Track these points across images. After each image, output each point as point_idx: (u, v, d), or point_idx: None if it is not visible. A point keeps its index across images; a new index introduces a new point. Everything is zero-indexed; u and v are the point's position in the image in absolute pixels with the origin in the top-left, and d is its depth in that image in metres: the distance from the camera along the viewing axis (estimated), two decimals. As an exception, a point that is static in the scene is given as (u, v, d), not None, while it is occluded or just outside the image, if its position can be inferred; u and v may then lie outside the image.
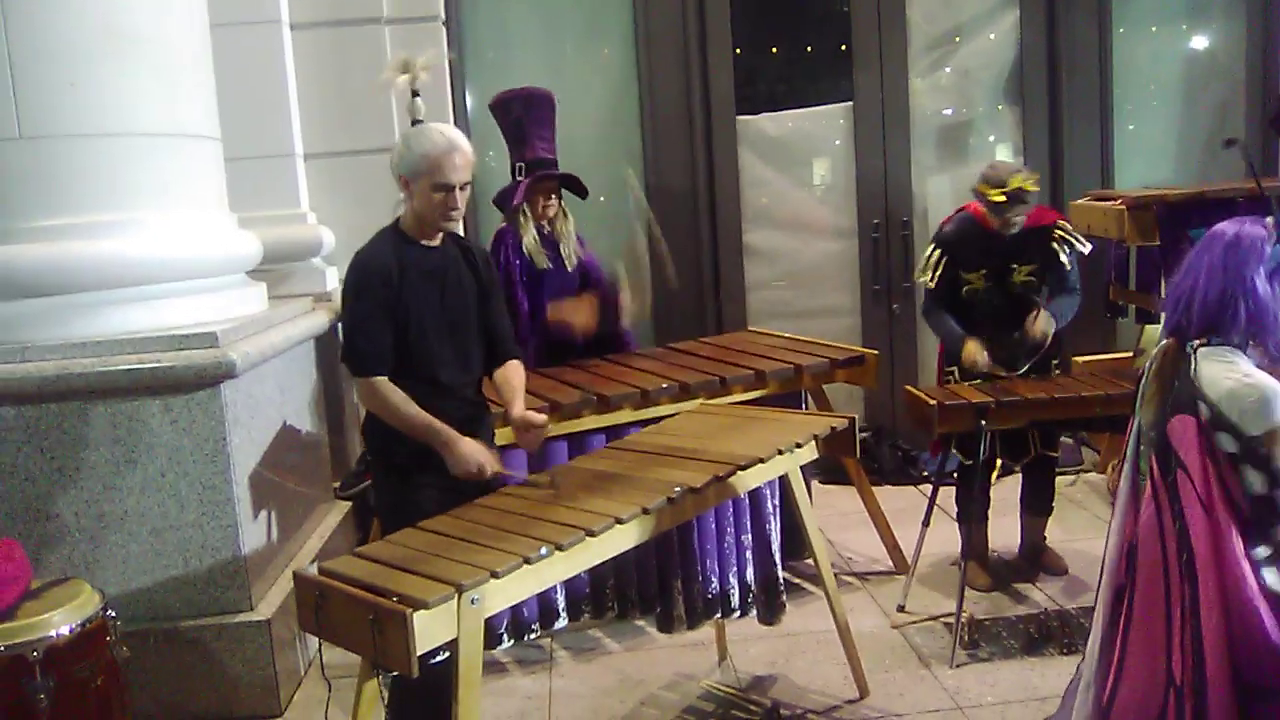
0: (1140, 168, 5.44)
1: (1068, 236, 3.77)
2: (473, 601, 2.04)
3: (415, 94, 2.84)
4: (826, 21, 5.53)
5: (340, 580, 2.12)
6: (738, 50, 5.31)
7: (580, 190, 4.09)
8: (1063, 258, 3.75)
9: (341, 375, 4.34)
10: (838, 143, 5.44)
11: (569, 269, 4.03)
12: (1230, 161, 5.31)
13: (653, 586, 3.18)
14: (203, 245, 3.51)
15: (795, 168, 5.49)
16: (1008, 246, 3.75)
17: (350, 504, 4.34)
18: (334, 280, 4.73)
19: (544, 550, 2.19)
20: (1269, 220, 2.19)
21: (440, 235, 2.72)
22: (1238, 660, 2.08)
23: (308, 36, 4.77)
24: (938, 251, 3.85)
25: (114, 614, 2.72)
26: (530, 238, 3.94)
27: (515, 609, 3.15)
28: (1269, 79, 5.31)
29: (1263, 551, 2.11)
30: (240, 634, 3.19)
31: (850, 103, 5.36)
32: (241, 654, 3.19)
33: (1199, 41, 5.58)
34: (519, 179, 3.93)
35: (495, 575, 2.09)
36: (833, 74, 5.45)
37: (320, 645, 3.13)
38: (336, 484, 4.41)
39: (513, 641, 3.29)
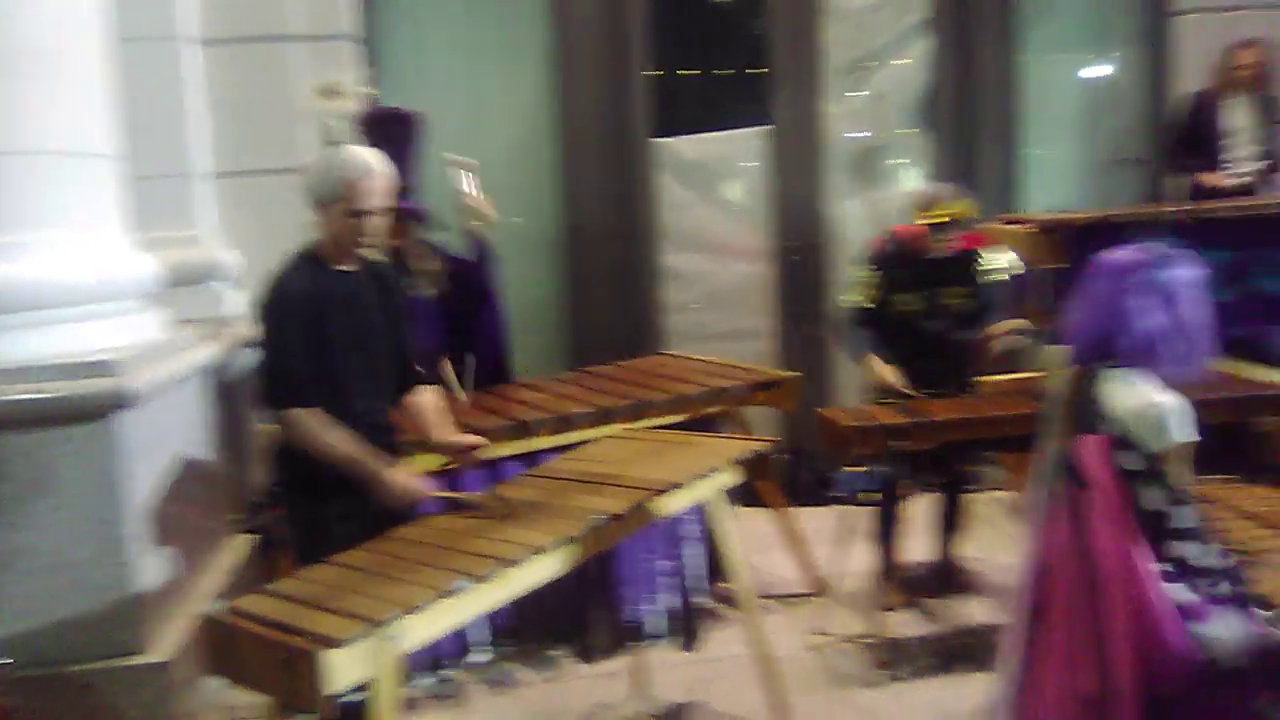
0: (1044, 191, 5.60)
1: (996, 259, 3.88)
2: (390, 638, 1.98)
3: (340, 118, 2.78)
4: (743, 45, 5.59)
5: (250, 619, 2.04)
6: (656, 72, 5.33)
7: (420, 219, 3.86)
8: (990, 278, 3.85)
9: (243, 403, 4.20)
10: (754, 165, 5.49)
11: (426, 298, 3.83)
12: (1129, 186, 5.52)
13: (572, 616, 3.14)
14: (101, 268, 3.35)
15: (712, 190, 5.53)
16: (939, 270, 3.83)
17: (253, 537, 4.19)
18: (238, 304, 4.59)
19: (463, 582, 2.14)
20: (1158, 247, 2.28)
21: (356, 260, 2.66)
22: (1145, 671, 2.14)
23: (218, 53, 4.63)
24: (875, 272, 3.90)
25: (7, 659, 2.57)
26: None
27: (431, 643, 3.07)
28: (1165, 106, 5.52)
29: (1163, 565, 2.18)
30: (137, 677, 3.03)
31: (766, 126, 5.42)
32: (138, 698, 3.03)
33: (1100, 69, 5.78)
34: None
35: (413, 610, 2.03)
36: (749, 97, 5.51)
37: (224, 687, 3.01)
38: (238, 517, 4.26)
39: (427, 677, 3.21)
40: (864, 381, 4.08)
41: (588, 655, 3.14)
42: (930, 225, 3.70)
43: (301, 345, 2.54)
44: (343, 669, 1.90)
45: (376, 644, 1.97)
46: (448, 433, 2.71)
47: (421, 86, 5.10)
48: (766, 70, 5.38)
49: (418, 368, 2.84)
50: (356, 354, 2.63)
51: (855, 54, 5.50)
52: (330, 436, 2.52)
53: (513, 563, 2.26)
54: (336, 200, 2.54)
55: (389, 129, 3.72)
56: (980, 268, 3.85)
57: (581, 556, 2.50)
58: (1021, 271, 3.91)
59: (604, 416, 3.64)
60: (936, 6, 5.41)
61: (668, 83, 5.49)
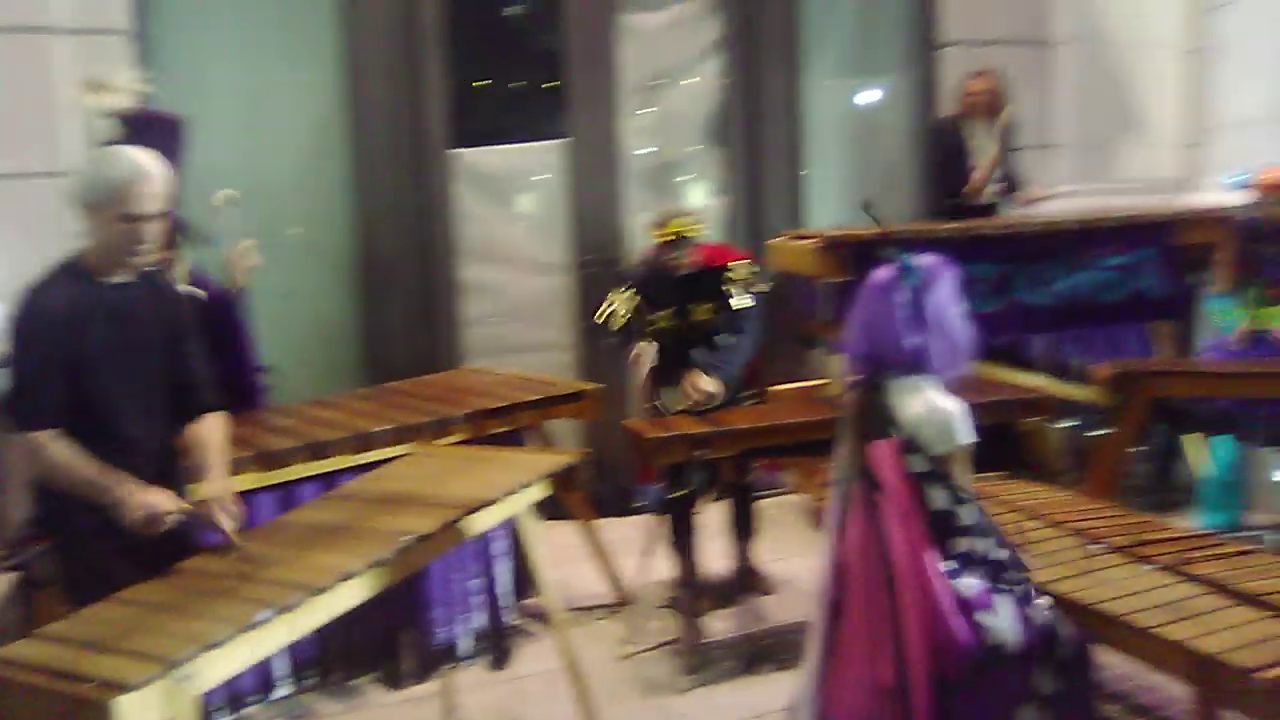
0: (827, 208, 5.90)
1: (738, 278, 4.01)
2: (186, 679, 1.85)
3: (108, 117, 2.57)
4: (541, 58, 5.60)
5: (21, 668, 1.85)
6: (452, 82, 5.26)
7: (183, 233, 3.59)
8: (734, 300, 3.98)
9: (-2, 431, 3.82)
10: (553, 178, 5.50)
11: None
12: (903, 205, 5.89)
13: (379, 641, 3.04)
14: None
15: (510, 202, 5.50)
16: (686, 286, 3.96)
17: (12, 576, 3.82)
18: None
19: (265, 613, 2.03)
20: (918, 261, 2.44)
21: (129, 271, 2.46)
22: (935, 660, 2.28)
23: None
24: (631, 291, 4.00)
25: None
26: None
27: (230, 680, 2.89)
28: (930, 131, 5.93)
29: (948, 561, 2.33)
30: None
31: (563, 139, 5.45)
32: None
33: (875, 95, 6.13)
34: None
35: (212, 646, 1.91)
36: (548, 110, 5.51)
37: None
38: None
39: (226, 716, 3.02)
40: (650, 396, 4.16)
41: (395, 681, 3.04)
42: (659, 244, 3.84)
43: (52, 364, 2.32)
44: (135, 716, 1.76)
45: (172, 686, 1.83)
46: (214, 483, 2.48)
47: (200, 89, 4.80)
48: (564, 84, 5.42)
49: (206, 392, 2.64)
50: (124, 374, 2.42)
51: (649, 72, 5.62)
52: (68, 460, 2.31)
53: (320, 589, 2.16)
54: (108, 205, 2.34)
55: (153, 133, 3.48)
56: (728, 281, 4.00)
57: (391, 579, 2.42)
58: (766, 290, 4.10)
59: (405, 434, 3.54)
60: (726, 29, 5.60)
61: (464, 94, 5.43)
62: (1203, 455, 4.80)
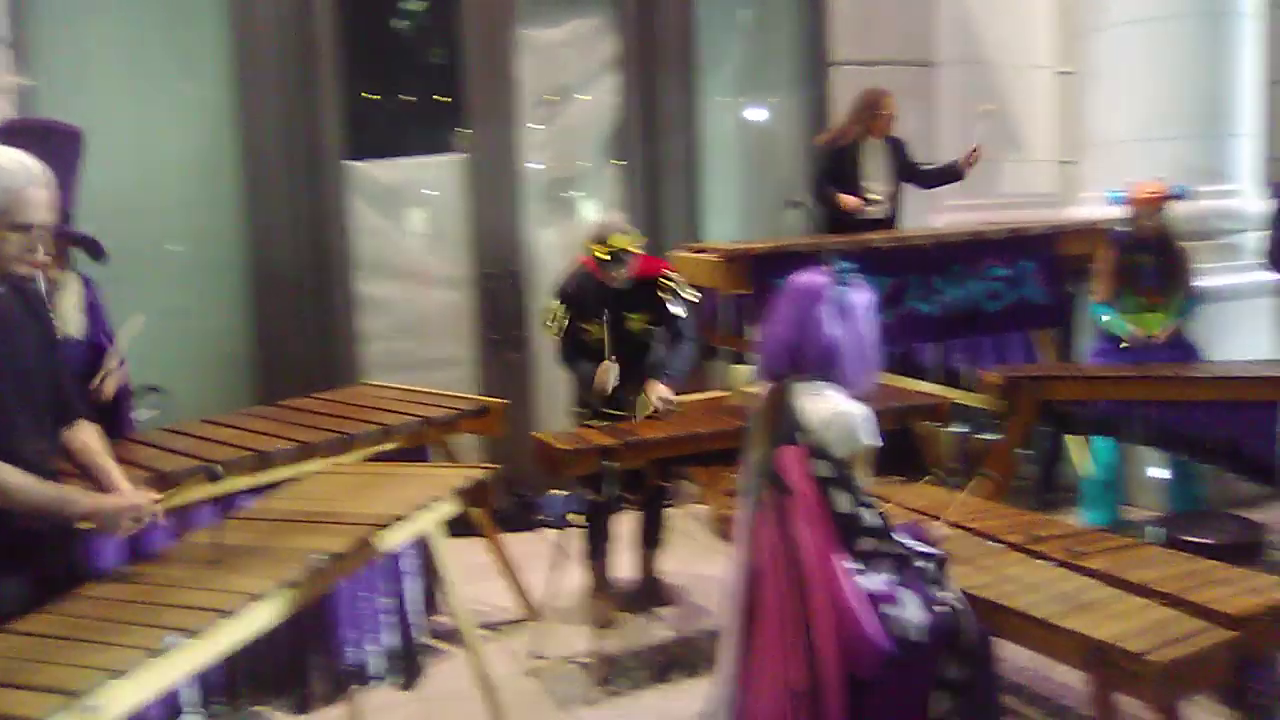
0: (723, 223, 5.99)
1: (673, 286, 4.07)
2: (92, 710, 1.77)
3: None
4: (439, 71, 5.56)
5: (-92, 706, 1.75)
6: (352, 95, 5.18)
7: (95, 251, 3.48)
8: (671, 307, 4.03)
9: None
10: (450, 192, 5.46)
11: (69, 338, 3.38)
12: (794, 220, 6.03)
13: (288, 665, 2.95)
14: None
15: (407, 216, 5.44)
16: (621, 297, 3.98)
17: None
18: None
19: (173, 639, 1.95)
20: (840, 269, 2.51)
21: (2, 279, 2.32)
22: (846, 660, 2.33)
23: None
24: (560, 305, 4.00)
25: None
26: None
27: (137, 710, 2.77)
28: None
29: (856, 561, 2.39)
30: None
31: (462, 153, 5.42)
32: None
33: (769, 112, 6.27)
34: None
35: (118, 675, 1.83)
36: (444, 124, 5.48)
37: None
38: None
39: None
40: (582, 401, 4.16)
41: (304, 705, 2.95)
42: (599, 259, 3.85)
43: None
44: (36, 751, 1.68)
45: (78, 719, 1.75)
46: (119, 483, 2.38)
47: (82, 99, 4.64)
48: (461, 98, 5.39)
49: (77, 399, 2.51)
50: (11, 389, 2.31)
51: (548, 87, 5.63)
52: (20, 481, 2.15)
53: (229, 613, 2.09)
54: None
55: (52, 144, 3.33)
56: (664, 289, 4.04)
57: (302, 601, 2.37)
58: (698, 297, 4.16)
59: (306, 452, 3.45)
60: (623, 45, 5.66)
61: (360, 106, 5.35)
62: (1085, 456, 5.05)
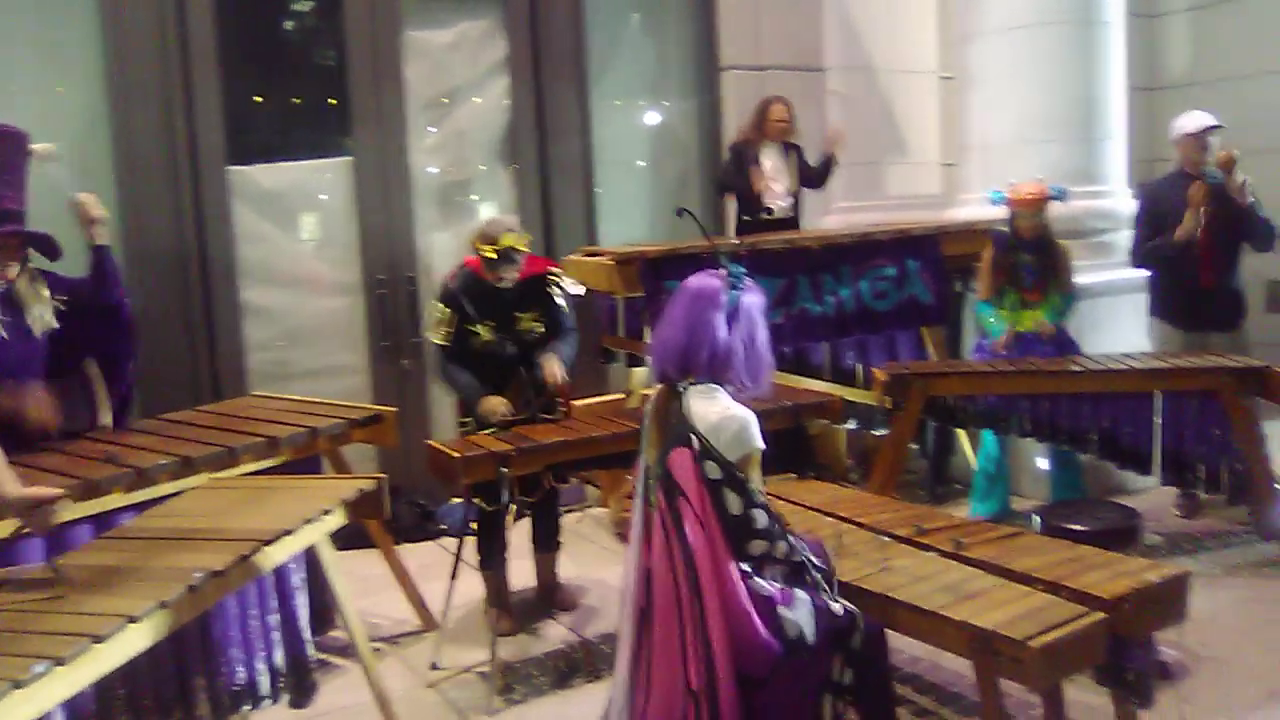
0: (617, 226, 6.00)
1: (559, 281, 4.07)
2: (-52, 746, 1.68)
3: None
4: (323, 73, 5.44)
5: None
6: (235, 98, 5.02)
7: (50, 251, 3.52)
8: (558, 301, 4.03)
9: None
10: (338, 197, 5.34)
11: (36, 336, 3.49)
12: (689, 223, 6.06)
13: (171, 688, 2.83)
14: None
15: (293, 221, 5.30)
16: (509, 297, 3.95)
17: None
18: None
19: (41, 667, 1.86)
20: (723, 271, 2.53)
21: None
22: (738, 659, 2.35)
23: None
24: (445, 309, 3.94)
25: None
26: None
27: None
28: (715, 152, 6.16)
29: (745, 563, 2.41)
30: None
31: (349, 157, 5.31)
32: None
33: (662, 115, 6.30)
34: None
35: (-23, 708, 1.74)
36: (331, 127, 5.36)
37: None
38: None
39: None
40: (460, 412, 4.11)
41: (188, 730, 2.85)
42: (488, 258, 3.83)
43: None
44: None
45: (-69, 756, 1.65)
46: (13, 486, 2.30)
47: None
48: (347, 100, 5.28)
49: None
50: None
51: (437, 90, 5.56)
52: None
53: (100, 638, 2.00)
54: None
55: None
56: (552, 286, 4.04)
57: (180, 621, 2.28)
58: (582, 293, 4.17)
59: (187, 467, 3.33)
60: (512, 48, 5.62)
61: (244, 109, 5.20)
62: (973, 449, 5.20)
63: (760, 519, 2.44)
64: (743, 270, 2.53)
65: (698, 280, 2.55)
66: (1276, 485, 4.31)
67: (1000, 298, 4.79)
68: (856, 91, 6.37)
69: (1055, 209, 4.74)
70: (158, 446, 3.45)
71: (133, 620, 2.09)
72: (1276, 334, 6.70)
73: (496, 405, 3.88)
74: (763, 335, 2.54)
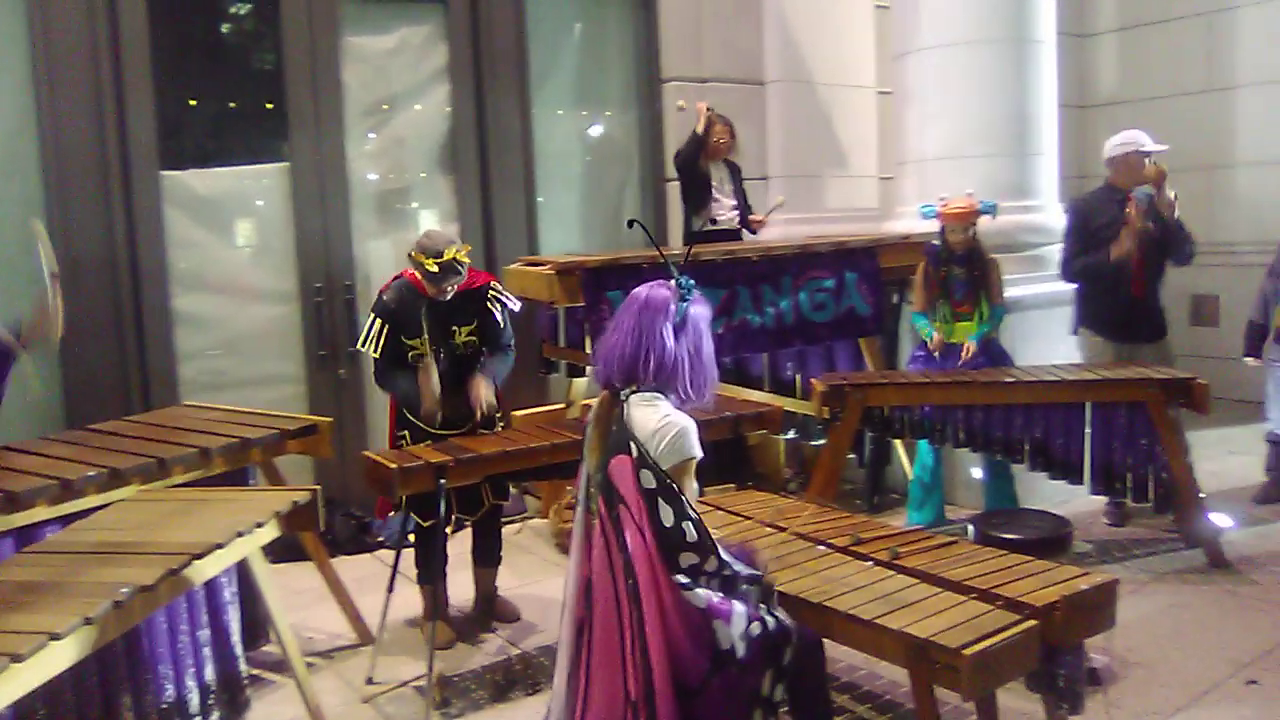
0: (559, 236, 5.99)
1: (499, 295, 4.02)
2: None
3: None
4: (258, 78, 5.35)
5: None
6: (168, 101, 4.92)
7: None
8: (496, 316, 3.99)
9: None
10: (273, 203, 5.26)
11: None
12: (631, 233, 6.09)
13: (96, 707, 2.76)
14: None
15: (227, 228, 5.20)
16: (446, 310, 3.90)
17: None
18: None
19: (-45, 688, 1.80)
20: (672, 282, 2.54)
21: None
22: (675, 667, 2.35)
23: None
24: (379, 322, 3.87)
25: None
26: None
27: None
28: (656, 162, 6.18)
29: (682, 573, 2.41)
30: None
31: (285, 163, 5.23)
32: None
33: (604, 126, 6.31)
34: None
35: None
36: (266, 132, 5.27)
37: None
38: None
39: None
40: (394, 424, 4.06)
41: (113, 749, 2.78)
42: (430, 272, 3.76)
43: None
44: None
45: None
46: None
47: None
48: (284, 106, 5.20)
49: None
50: None
51: (376, 96, 5.51)
52: None
53: (20, 656, 1.93)
54: None
55: None
56: (491, 302, 3.99)
57: (107, 638, 2.22)
58: (519, 306, 4.13)
59: (115, 479, 3.24)
60: (454, 56, 5.59)
61: (176, 113, 5.09)
62: (909, 459, 5.27)
63: (691, 532, 2.43)
64: (692, 283, 2.54)
65: (647, 289, 2.55)
66: (1201, 494, 4.43)
67: (933, 310, 4.87)
68: (797, 105, 6.44)
69: (986, 223, 4.83)
70: (84, 457, 3.36)
71: (55, 638, 2.03)
72: (1200, 346, 6.93)
73: (431, 403, 3.84)
74: (708, 347, 2.55)
